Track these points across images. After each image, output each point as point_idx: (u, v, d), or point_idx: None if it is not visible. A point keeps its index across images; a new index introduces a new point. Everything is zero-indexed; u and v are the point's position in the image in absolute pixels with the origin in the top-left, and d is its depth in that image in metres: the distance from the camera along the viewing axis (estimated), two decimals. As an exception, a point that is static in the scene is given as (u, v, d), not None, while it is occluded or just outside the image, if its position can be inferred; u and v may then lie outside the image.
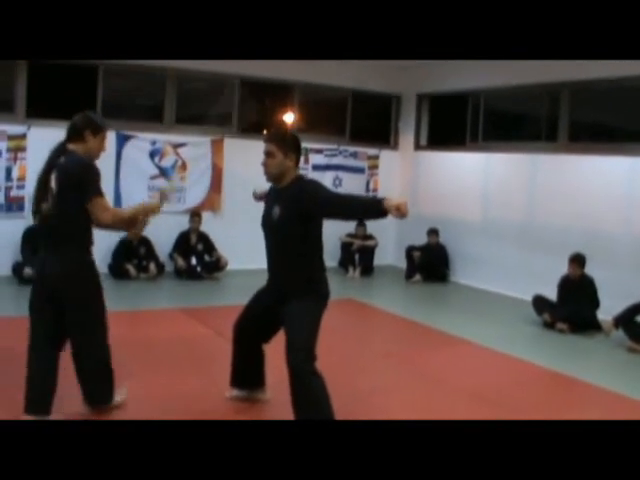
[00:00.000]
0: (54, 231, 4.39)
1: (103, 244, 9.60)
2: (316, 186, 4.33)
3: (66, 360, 4.50)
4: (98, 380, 4.54)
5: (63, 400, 4.52)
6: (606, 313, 7.69)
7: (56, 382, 4.42)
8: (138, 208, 4.66)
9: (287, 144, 4.31)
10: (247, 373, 4.86)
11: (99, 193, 4.31)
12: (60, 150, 4.51)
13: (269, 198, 4.49)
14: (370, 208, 4.15)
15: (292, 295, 4.26)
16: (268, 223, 4.38)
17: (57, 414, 4.37)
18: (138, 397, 5.03)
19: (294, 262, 4.30)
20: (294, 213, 4.21)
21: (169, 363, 5.82)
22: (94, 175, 4.35)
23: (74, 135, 4.52)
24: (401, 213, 3.83)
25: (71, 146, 4.47)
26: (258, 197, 4.87)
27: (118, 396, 4.72)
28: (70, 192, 4.30)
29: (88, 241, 4.48)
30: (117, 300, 8.53)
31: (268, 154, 4.30)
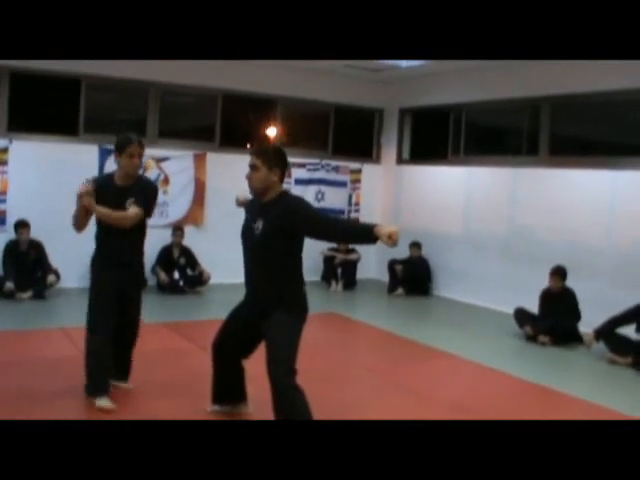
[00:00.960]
0: None
1: (85, 259, 9.56)
2: (303, 204, 4.29)
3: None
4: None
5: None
6: (587, 325, 7.73)
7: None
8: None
9: (272, 158, 4.29)
10: (228, 389, 4.85)
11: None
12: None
13: (251, 210, 4.46)
14: (360, 233, 4.15)
15: (271, 309, 4.24)
16: (249, 236, 4.34)
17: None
18: (116, 410, 5.01)
19: (273, 276, 4.28)
20: (277, 229, 4.19)
21: (150, 377, 5.79)
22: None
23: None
24: (392, 241, 3.83)
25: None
26: (240, 203, 4.88)
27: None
28: None
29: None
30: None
31: (252, 167, 4.28)
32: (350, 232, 4.29)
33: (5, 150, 9.25)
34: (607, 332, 7.31)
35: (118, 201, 4.97)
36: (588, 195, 8.81)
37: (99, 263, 5.18)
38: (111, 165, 9.84)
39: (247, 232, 4.37)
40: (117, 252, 5.08)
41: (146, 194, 5.09)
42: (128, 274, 5.17)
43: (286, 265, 4.30)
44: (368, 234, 3.95)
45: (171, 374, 5.85)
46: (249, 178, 4.31)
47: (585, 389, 6.19)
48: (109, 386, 5.13)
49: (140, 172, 5.29)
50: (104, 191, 4.99)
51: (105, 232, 5.06)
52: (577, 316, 7.99)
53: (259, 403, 4.84)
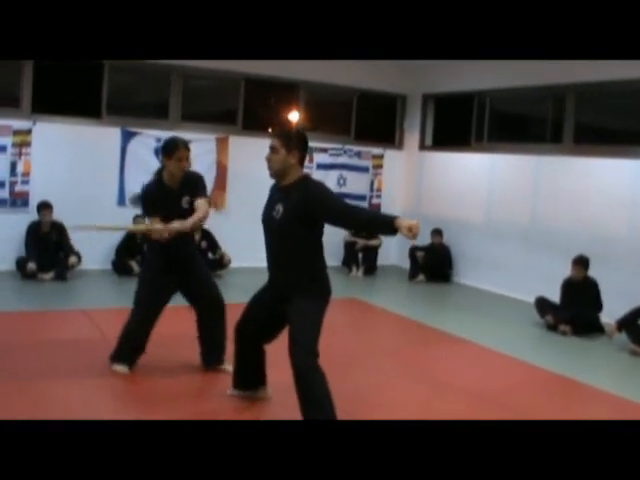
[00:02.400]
0: None
1: (107, 241, 9.64)
2: (323, 190, 4.26)
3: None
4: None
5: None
6: (609, 316, 7.68)
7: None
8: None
9: (291, 140, 4.27)
10: (249, 375, 4.85)
11: (148, 214, 5.35)
12: (156, 172, 5.40)
13: (272, 194, 4.46)
14: (381, 224, 4.15)
15: (293, 293, 4.24)
16: (269, 221, 4.33)
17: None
18: (141, 392, 5.04)
19: (295, 260, 4.27)
20: (297, 214, 4.18)
21: (171, 359, 5.81)
22: (142, 201, 5.44)
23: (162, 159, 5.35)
24: (412, 234, 3.82)
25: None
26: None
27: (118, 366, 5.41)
28: None
29: None
30: (120, 296, 8.55)
31: (272, 149, 4.28)
32: (371, 222, 4.26)
33: (29, 132, 9.29)
34: (629, 323, 7.25)
35: (176, 202, 5.20)
36: (611, 184, 8.72)
37: (157, 249, 5.34)
38: (133, 148, 9.95)
39: (268, 216, 4.35)
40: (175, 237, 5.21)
41: (198, 185, 5.31)
42: (184, 250, 5.42)
43: (307, 249, 4.29)
44: (389, 225, 3.95)
45: (191, 357, 5.85)
46: (268, 159, 4.31)
47: (607, 380, 6.15)
48: (133, 359, 5.43)
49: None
50: (161, 196, 5.21)
51: (165, 221, 5.15)
52: (599, 306, 7.93)
53: (280, 389, 4.85)
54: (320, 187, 4.32)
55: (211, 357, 5.56)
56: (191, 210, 5.17)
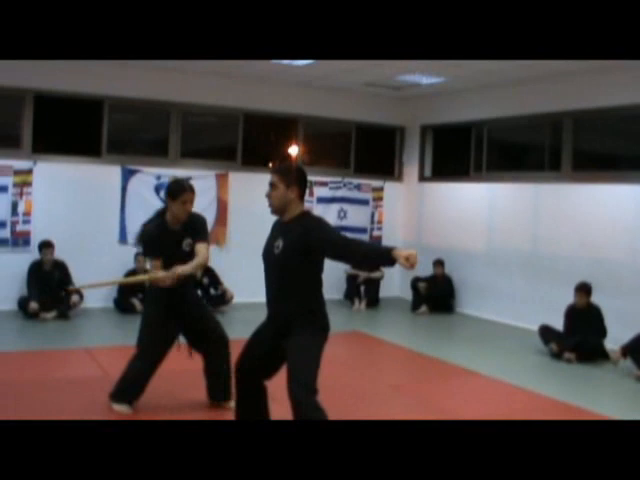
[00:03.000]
0: None
1: (109, 278, 9.62)
2: (322, 225, 4.27)
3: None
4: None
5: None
6: (613, 342, 7.65)
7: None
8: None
9: (290, 176, 4.29)
10: (251, 411, 4.81)
11: (149, 256, 5.34)
12: (158, 214, 5.37)
13: (274, 230, 4.48)
14: (379, 256, 4.16)
15: (292, 329, 4.22)
16: (269, 255, 4.34)
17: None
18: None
19: (293, 295, 4.26)
20: (296, 249, 4.18)
21: (174, 397, 5.79)
22: (143, 242, 5.33)
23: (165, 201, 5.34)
24: (410, 264, 3.83)
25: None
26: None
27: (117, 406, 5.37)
28: None
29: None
30: (123, 334, 8.53)
31: (271, 185, 4.30)
32: (369, 254, 4.27)
33: (30, 172, 9.35)
34: (635, 348, 7.22)
35: (177, 244, 5.22)
36: (612, 210, 8.73)
37: (158, 294, 5.31)
38: (133, 186, 10.00)
39: (268, 251, 4.37)
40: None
41: (200, 228, 5.32)
42: (186, 294, 5.42)
43: (305, 284, 4.29)
44: (386, 256, 3.95)
45: (193, 394, 5.82)
46: (268, 196, 4.33)
47: (613, 407, 6.11)
48: (134, 399, 5.40)
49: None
50: (163, 239, 5.21)
51: (166, 263, 5.16)
52: (603, 332, 7.90)
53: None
54: (320, 222, 4.33)
55: (217, 393, 5.54)
56: (191, 253, 5.18)
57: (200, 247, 5.17)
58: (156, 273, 5.11)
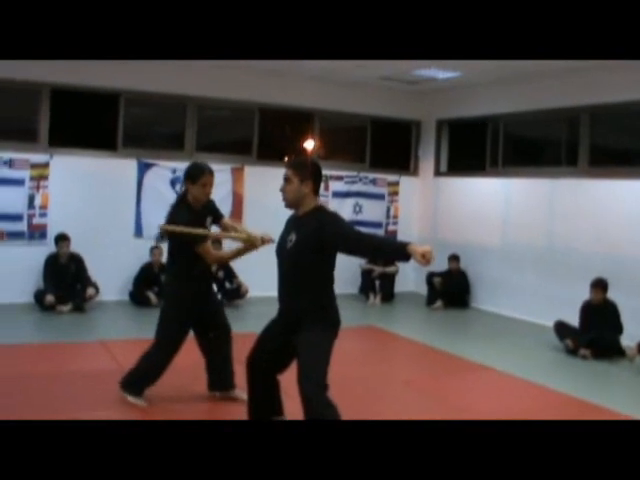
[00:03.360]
0: None
1: (124, 272, 9.69)
2: (337, 220, 4.28)
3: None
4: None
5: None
6: (630, 339, 7.61)
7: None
8: (239, 249, 5.31)
9: (305, 171, 4.30)
10: (264, 405, 4.81)
11: (198, 240, 5.14)
12: (180, 199, 5.44)
13: (288, 224, 4.49)
14: (394, 251, 4.17)
15: (302, 324, 4.23)
16: (282, 250, 4.35)
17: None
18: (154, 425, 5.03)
19: (305, 289, 4.27)
20: (309, 243, 4.19)
21: (188, 390, 5.81)
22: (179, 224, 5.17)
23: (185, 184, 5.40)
24: (426, 260, 3.83)
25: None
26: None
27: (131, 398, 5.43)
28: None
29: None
30: (138, 327, 8.58)
31: (286, 180, 4.31)
32: (384, 249, 4.30)
33: (46, 165, 9.39)
34: (650, 345, 7.19)
35: (203, 225, 5.31)
36: (629, 206, 8.68)
37: (184, 279, 5.38)
38: (149, 179, 10.02)
39: (281, 246, 4.38)
40: (203, 266, 5.35)
41: (215, 207, 5.60)
42: (208, 285, 5.64)
43: (317, 279, 4.29)
44: (401, 252, 3.96)
45: (198, 387, 5.85)
46: (283, 190, 4.34)
47: (630, 404, 6.05)
48: (144, 389, 5.47)
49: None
50: (193, 219, 5.26)
51: (193, 250, 5.22)
52: (619, 329, 7.86)
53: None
54: (334, 217, 4.34)
55: (222, 382, 5.60)
56: None
57: (227, 220, 5.60)
58: (253, 233, 5.20)
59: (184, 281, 5.33)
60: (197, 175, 5.25)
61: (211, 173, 5.32)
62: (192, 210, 5.29)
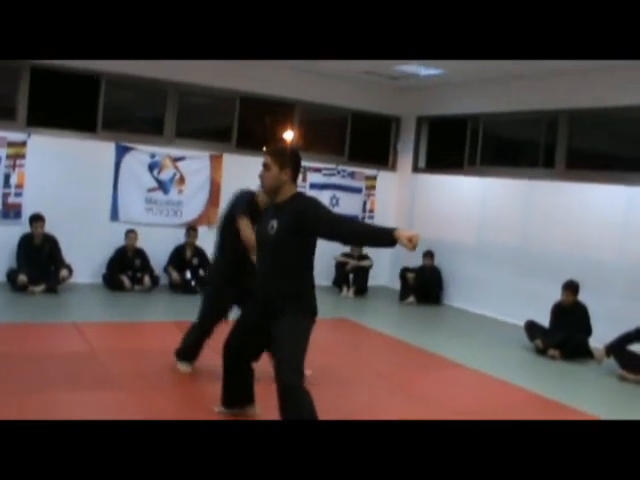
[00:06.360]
0: None
1: (98, 255, 9.65)
2: (318, 204, 4.31)
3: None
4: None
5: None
6: (599, 341, 7.70)
7: None
8: None
9: (284, 158, 4.32)
10: (238, 392, 4.83)
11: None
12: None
13: (267, 211, 4.50)
14: (378, 236, 4.12)
15: (280, 310, 4.24)
16: (263, 236, 4.36)
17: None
18: (124, 407, 5.03)
19: (284, 275, 4.28)
20: (291, 228, 4.20)
21: (158, 375, 5.81)
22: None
23: None
24: (413, 244, 3.83)
25: None
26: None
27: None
28: None
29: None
30: (110, 311, 8.56)
31: (265, 166, 4.33)
32: (368, 233, 4.26)
33: (23, 144, 9.31)
34: (618, 348, 7.27)
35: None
36: (603, 210, 8.78)
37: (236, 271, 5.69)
38: (127, 163, 9.98)
39: (261, 231, 4.39)
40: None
41: None
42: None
43: (297, 265, 4.31)
44: (387, 236, 3.95)
45: (178, 373, 5.86)
46: (261, 177, 4.35)
47: (594, 405, 6.14)
48: (193, 360, 5.95)
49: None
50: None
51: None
52: (588, 331, 7.96)
53: (265, 405, 4.85)
54: (314, 201, 4.37)
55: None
56: None
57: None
58: None
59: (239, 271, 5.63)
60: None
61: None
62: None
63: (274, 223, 4.26)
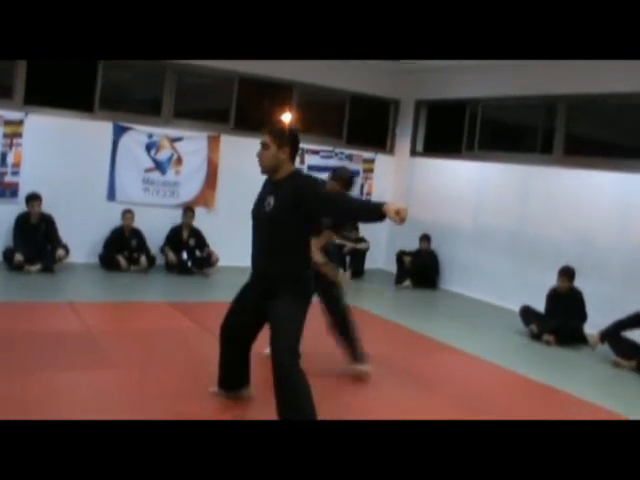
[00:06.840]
0: None
1: (95, 235, 9.65)
2: (314, 182, 4.36)
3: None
4: None
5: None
6: (594, 327, 7.72)
7: None
8: None
9: (282, 137, 4.33)
10: (234, 375, 4.85)
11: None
12: None
13: (264, 188, 4.50)
14: (368, 210, 4.19)
15: (276, 289, 4.27)
16: (259, 213, 4.37)
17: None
18: (120, 388, 5.05)
19: (281, 254, 4.30)
20: (287, 206, 4.22)
21: (154, 355, 5.83)
22: None
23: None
24: (400, 217, 3.85)
25: None
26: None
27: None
28: None
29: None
30: (106, 291, 8.57)
31: (263, 145, 4.33)
32: (359, 209, 4.33)
33: (21, 123, 9.28)
34: (612, 335, 7.30)
35: None
36: (601, 196, 8.78)
37: None
38: (124, 143, 9.95)
39: (258, 209, 4.39)
40: None
41: None
42: None
43: (294, 244, 4.33)
44: (376, 211, 4.00)
45: (174, 354, 5.87)
46: (259, 156, 4.35)
47: (588, 390, 6.18)
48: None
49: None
50: None
51: None
52: (583, 317, 7.98)
53: (260, 387, 4.86)
54: (310, 179, 4.43)
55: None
56: None
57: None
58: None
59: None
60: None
61: None
62: None
63: (271, 200, 4.28)
